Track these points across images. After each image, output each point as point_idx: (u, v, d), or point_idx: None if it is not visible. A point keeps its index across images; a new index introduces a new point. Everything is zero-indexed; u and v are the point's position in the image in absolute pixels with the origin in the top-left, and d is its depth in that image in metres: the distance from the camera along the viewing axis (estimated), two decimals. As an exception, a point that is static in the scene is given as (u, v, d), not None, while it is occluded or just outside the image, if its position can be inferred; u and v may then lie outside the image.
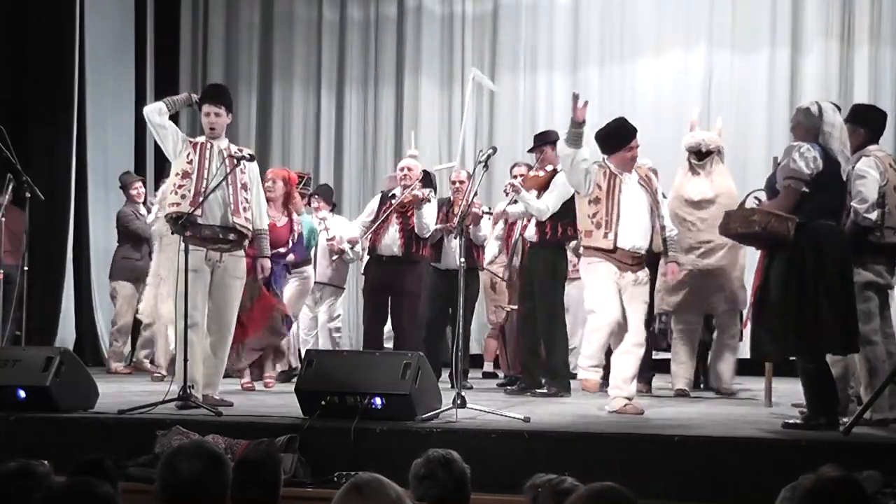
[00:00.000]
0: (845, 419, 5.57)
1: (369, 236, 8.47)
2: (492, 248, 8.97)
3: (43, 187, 8.18)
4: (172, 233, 6.66)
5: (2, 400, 6.11)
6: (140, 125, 11.00)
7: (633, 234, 6.64)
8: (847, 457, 4.37)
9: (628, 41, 11.19)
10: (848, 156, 5.68)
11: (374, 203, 8.69)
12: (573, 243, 7.78)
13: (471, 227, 8.06)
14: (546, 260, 7.79)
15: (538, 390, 7.73)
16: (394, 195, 8.52)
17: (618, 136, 6.77)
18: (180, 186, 6.61)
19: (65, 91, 10.28)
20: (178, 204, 6.59)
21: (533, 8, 11.48)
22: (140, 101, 10.99)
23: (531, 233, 7.85)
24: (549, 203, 7.68)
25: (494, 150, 6.72)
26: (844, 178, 5.69)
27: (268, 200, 7.48)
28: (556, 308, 7.80)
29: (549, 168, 7.84)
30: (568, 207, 7.49)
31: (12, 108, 9.80)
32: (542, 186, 7.80)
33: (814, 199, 5.52)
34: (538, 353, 7.86)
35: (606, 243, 6.57)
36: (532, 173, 8.00)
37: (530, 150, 8.21)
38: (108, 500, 2.73)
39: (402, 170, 8.57)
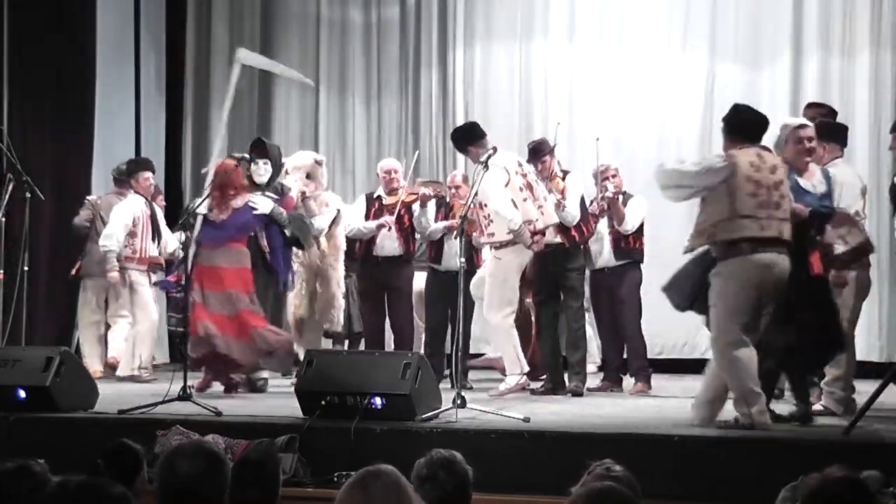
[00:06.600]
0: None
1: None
2: None
3: (47, 188, 8.18)
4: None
5: (2, 400, 6.12)
6: (139, 122, 10.99)
7: None
8: (847, 457, 4.36)
9: (629, 43, 11.09)
10: None
11: (362, 206, 8.57)
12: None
13: (473, 233, 8.09)
14: (575, 258, 7.86)
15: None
16: (379, 196, 8.50)
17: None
18: None
19: (67, 90, 10.25)
20: None
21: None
22: (139, 99, 10.99)
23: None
24: (574, 210, 7.77)
25: (494, 149, 6.70)
26: None
27: None
28: (582, 306, 7.87)
29: (560, 174, 7.90)
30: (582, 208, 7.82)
31: (13, 108, 9.78)
32: (561, 193, 7.84)
33: None
34: (561, 353, 7.90)
35: None
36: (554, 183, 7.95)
37: (529, 161, 8.10)
38: (121, 500, 2.69)
39: (387, 172, 8.55)
